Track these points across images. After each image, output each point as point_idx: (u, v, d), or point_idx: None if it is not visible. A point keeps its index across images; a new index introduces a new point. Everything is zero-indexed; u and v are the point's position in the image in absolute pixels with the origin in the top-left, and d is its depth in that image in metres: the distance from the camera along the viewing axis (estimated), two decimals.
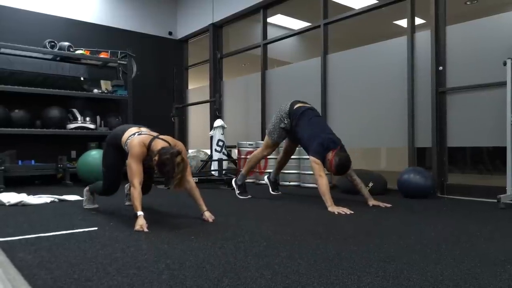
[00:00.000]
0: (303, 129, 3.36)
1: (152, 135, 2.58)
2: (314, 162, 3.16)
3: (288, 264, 1.59)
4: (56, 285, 1.36)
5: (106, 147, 2.87)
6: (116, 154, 2.74)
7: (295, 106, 3.50)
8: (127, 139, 2.59)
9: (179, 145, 2.60)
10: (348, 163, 3.11)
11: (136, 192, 2.38)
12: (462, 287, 1.33)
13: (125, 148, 2.61)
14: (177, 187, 2.40)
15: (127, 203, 3.25)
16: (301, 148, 4.64)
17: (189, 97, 7.42)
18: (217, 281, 1.40)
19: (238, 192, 3.82)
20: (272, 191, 4.04)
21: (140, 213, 2.32)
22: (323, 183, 3.09)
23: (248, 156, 5.24)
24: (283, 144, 3.90)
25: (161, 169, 2.35)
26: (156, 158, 2.36)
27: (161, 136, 2.58)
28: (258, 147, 5.10)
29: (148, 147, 2.49)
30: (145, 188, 2.83)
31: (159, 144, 2.48)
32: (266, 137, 3.70)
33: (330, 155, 3.10)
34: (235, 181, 3.89)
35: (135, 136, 2.56)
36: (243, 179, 3.84)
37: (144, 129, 2.72)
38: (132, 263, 1.62)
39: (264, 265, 1.59)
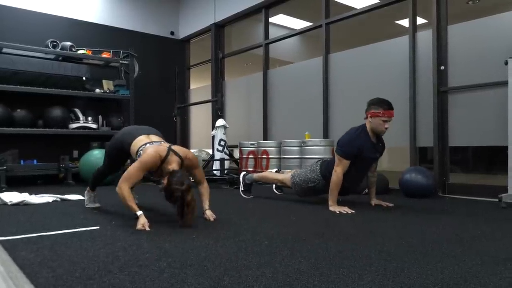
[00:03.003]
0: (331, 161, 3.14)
1: (166, 147, 2.47)
2: (337, 157, 2.97)
3: (289, 263, 1.59)
4: (58, 283, 1.36)
5: (110, 150, 2.84)
6: (122, 158, 2.76)
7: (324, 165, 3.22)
8: (140, 148, 2.52)
9: (190, 156, 2.54)
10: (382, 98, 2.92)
11: (126, 193, 2.31)
12: (462, 285, 1.33)
13: (136, 158, 2.52)
14: (185, 225, 2.30)
15: (88, 206, 3.13)
16: (303, 147, 4.66)
17: (191, 97, 7.44)
18: (218, 279, 1.40)
19: (242, 189, 3.78)
20: (275, 189, 4.04)
21: (140, 212, 2.32)
22: (334, 180, 2.97)
23: (250, 156, 5.25)
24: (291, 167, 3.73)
25: (168, 197, 2.32)
26: (165, 182, 2.31)
27: (174, 147, 2.49)
28: (259, 147, 5.11)
29: (163, 160, 2.40)
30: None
31: (173, 161, 2.40)
32: (289, 175, 3.40)
33: (367, 117, 2.93)
34: (243, 176, 3.79)
35: (151, 145, 2.48)
36: (252, 181, 3.79)
37: (154, 138, 2.63)
38: (133, 261, 1.62)
39: (265, 263, 1.59)
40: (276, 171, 3.87)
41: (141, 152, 2.48)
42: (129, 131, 2.76)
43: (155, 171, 2.46)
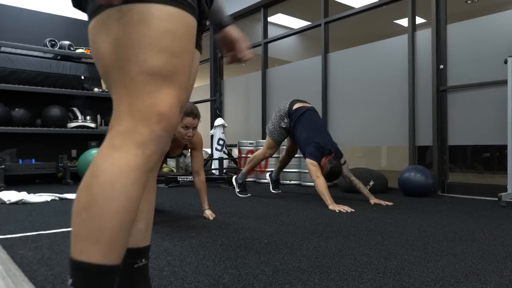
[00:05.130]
0: (301, 131, 3.36)
1: None
2: (311, 164, 3.18)
3: (289, 261, 1.59)
4: (56, 281, 1.35)
5: None
6: None
7: (294, 106, 3.50)
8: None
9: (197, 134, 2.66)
10: (339, 172, 3.17)
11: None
12: (463, 283, 1.33)
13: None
14: None
15: None
16: None
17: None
18: (218, 277, 1.40)
19: (238, 190, 3.82)
20: (273, 189, 4.06)
21: None
22: (321, 183, 3.09)
23: (249, 155, 5.25)
24: (286, 143, 3.90)
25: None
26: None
27: None
28: (258, 146, 5.11)
29: None
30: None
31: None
32: (267, 137, 3.68)
33: (323, 161, 3.18)
34: (235, 179, 3.90)
35: None
36: (244, 178, 3.85)
37: None
38: None
39: (265, 261, 1.58)
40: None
41: None
42: None
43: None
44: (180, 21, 0.77)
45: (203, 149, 6.30)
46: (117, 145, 0.74)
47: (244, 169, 3.85)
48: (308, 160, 3.20)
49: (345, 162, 3.37)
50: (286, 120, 3.53)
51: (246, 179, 3.95)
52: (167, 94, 0.76)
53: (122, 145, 0.74)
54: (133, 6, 0.73)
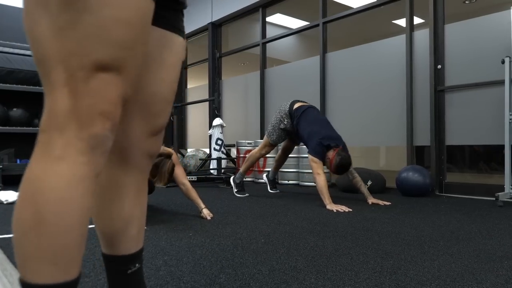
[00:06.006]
0: (304, 127, 3.35)
1: None
2: (312, 160, 3.16)
3: (286, 261, 1.59)
4: None
5: None
6: None
7: (295, 106, 3.50)
8: None
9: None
10: (348, 164, 3.07)
11: None
12: (459, 282, 1.33)
13: None
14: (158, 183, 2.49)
15: None
16: (300, 147, 4.67)
17: (188, 96, 7.43)
18: (214, 277, 1.40)
19: (236, 190, 3.83)
20: (271, 189, 4.06)
21: None
22: (321, 180, 3.09)
23: (247, 155, 5.25)
24: (282, 142, 3.90)
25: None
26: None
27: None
28: (256, 146, 5.11)
29: None
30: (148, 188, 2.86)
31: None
32: (265, 137, 3.69)
33: (331, 154, 3.08)
34: (233, 179, 3.91)
35: None
36: (241, 177, 3.85)
37: None
38: None
39: (261, 261, 1.59)
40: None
41: None
42: None
43: None
44: (134, 7, 0.66)
45: (201, 149, 6.30)
46: (59, 155, 0.65)
47: (241, 169, 3.86)
48: (310, 157, 3.17)
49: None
50: (286, 121, 3.52)
51: (244, 179, 3.96)
52: (112, 91, 0.66)
53: (64, 154, 0.65)
54: None
